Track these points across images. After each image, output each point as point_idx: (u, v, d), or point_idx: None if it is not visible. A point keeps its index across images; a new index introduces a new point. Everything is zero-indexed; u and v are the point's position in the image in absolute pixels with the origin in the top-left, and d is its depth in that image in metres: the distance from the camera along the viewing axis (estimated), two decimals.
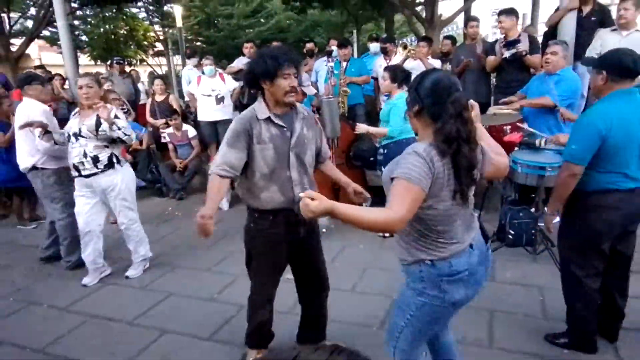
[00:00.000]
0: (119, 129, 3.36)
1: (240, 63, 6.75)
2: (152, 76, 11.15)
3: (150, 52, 18.55)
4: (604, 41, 4.28)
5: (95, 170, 3.39)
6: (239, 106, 6.69)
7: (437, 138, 1.56)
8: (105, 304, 3.30)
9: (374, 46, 6.22)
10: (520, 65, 4.72)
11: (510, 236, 3.72)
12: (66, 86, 6.91)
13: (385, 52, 6.12)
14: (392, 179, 1.57)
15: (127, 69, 9.27)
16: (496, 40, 5.05)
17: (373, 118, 6.45)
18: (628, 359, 2.43)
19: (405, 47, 5.24)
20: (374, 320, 2.87)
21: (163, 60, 18.56)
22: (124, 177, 3.51)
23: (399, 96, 3.87)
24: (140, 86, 8.46)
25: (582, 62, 2.43)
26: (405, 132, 3.77)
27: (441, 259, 1.64)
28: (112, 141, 3.44)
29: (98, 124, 3.33)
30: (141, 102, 7.54)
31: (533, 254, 3.66)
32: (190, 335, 2.86)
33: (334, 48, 5.67)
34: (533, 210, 3.74)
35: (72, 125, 3.43)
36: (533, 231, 3.65)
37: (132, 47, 16.99)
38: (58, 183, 3.76)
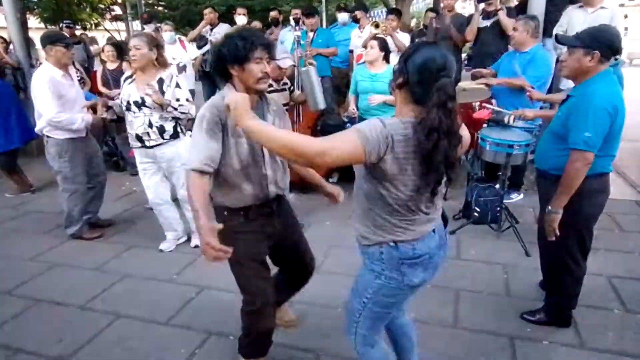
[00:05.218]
0: (175, 109, 3.17)
1: (203, 29, 6.39)
2: (109, 42, 10.46)
3: (108, 16, 17.46)
4: (571, 18, 4.28)
5: (162, 140, 3.25)
6: (202, 75, 6.40)
7: (419, 129, 1.43)
8: (54, 287, 3.09)
9: (342, 16, 5.99)
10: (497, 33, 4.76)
11: (475, 213, 3.74)
12: (10, 50, 6.37)
13: (356, 21, 5.91)
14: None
15: (78, 32, 8.63)
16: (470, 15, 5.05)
17: (342, 91, 6.29)
18: (587, 335, 2.48)
19: (377, 26, 5.03)
20: (339, 301, 2.79)
21: (122, 25, 17.54)
22: (186, 147, 3.31)
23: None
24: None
25: (561, 41, 2.32)
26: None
27: (405, 241, 1.57)
28: None
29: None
30: (95, 68, 7.07)
31: (498, 231, 3.68)
32: (146, 320, 2.71)
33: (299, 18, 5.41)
34: (498, 186, 3.74)
35: (131, 92, 3.18)
36: (498, 209, 3.66)
37: (86, 9, 15.92)
38: (59, 154, 3.59)
